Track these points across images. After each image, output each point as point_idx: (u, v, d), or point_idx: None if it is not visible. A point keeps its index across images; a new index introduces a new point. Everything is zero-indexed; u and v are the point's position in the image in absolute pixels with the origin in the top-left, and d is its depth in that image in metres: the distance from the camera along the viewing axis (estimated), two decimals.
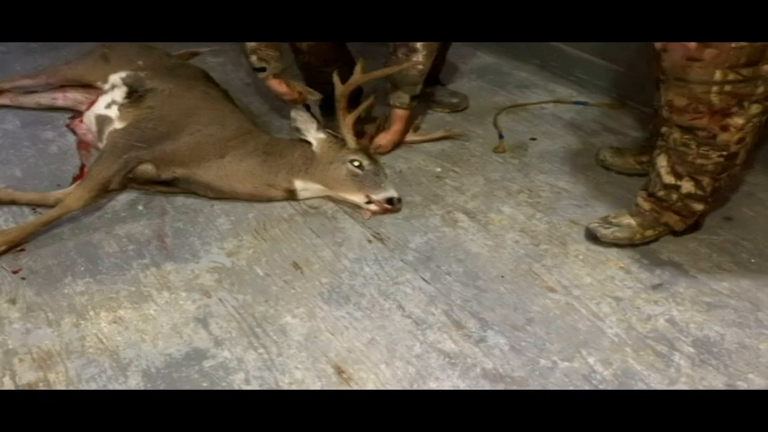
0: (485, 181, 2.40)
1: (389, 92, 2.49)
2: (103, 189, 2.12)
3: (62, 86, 2.59)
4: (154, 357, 1.69)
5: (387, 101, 2.50)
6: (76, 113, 2.53)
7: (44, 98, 2.63)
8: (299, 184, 2.23)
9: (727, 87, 1.74)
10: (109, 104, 2.34)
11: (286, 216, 2.20)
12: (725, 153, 1.87)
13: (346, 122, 2.25)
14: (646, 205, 2.05)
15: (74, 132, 2.48)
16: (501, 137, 2.62)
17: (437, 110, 2.81)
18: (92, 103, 2.39)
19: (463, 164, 2.49)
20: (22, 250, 2.02)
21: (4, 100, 2.67)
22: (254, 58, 2.39)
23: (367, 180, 2.20)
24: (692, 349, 1.74)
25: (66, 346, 1.72)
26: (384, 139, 2.49)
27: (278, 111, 2.76)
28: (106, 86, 2.42)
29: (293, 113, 2.31)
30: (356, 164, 2.21)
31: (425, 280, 1.96)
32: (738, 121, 1.80)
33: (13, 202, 2.17)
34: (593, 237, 2.07)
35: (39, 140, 2.54)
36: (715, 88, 1.75)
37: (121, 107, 2.31)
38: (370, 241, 2.10)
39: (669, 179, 1.97)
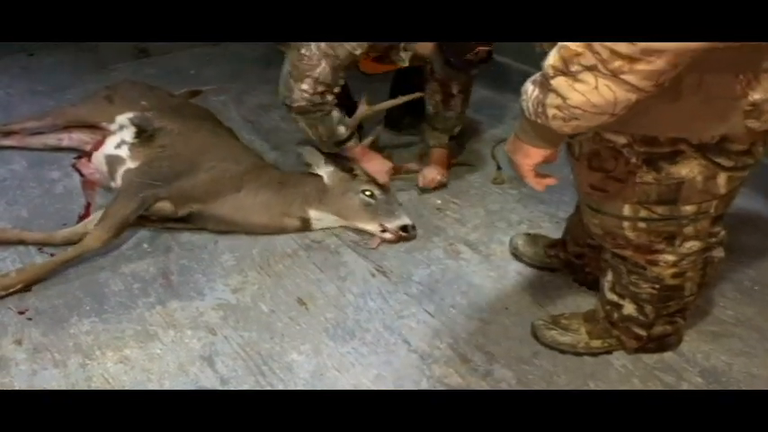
0: (485, 212, 2.42)
1: (426, 132, 2.59)
2: (122, 228, 2.14)
3: (67, 127, 2.62)
4: None
5: (424, 140, 2.62)
6: (82, 153, 2.56)
7: (50, 139, 2.66)
8: (313, 214, 2.28)
9: (642, 224, 1.49)
10: (118, 144, 2.37)
11: (290, 251, 2.22)
12: (657, 286, 1.62)
13: (356, 154, 2.32)
14: (601, 312, 1.81)
15: (79, 172, 2.51)
16: (499, 168, 2.65)
17: None
18: (98, 144, 2.42)
19: (463, 195, 2.52)
20: (29, 290, 2.03)
21: (12, 141, 2.70)
22: (341, 129, 2.36)
23: (380, 209, 2.25)
24: (699, 379, 1.74)
25: (72, 387, 1.72)
26: (432, 173, 2.50)
27: (280, 148, 2.80)
28: (113, 127, 2.45)
29: (300, 149, 2.40)
30: (368, 193, 2.25)
31: (430, 313, 1.97)
32: (669, 258, 1.55)
33: (20, 242, 2.19)
34: (534, 335, 1.87)
35: (45, 180, 2.56)
36: (627, 224, 1.51)
37: (132, 147, 2.35)
38: (373, 275, 2.12)
39: (611, 296, 1.74)
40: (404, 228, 2.23)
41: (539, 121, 1.21)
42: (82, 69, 3.51)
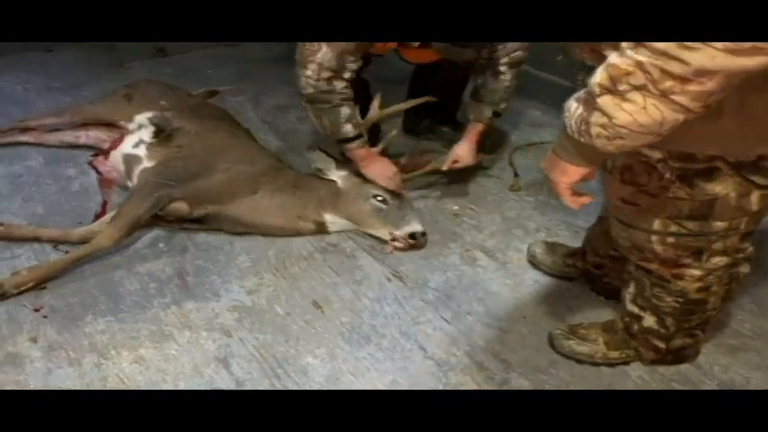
0: (502, 219, 2.41)
1: (469, 105, 2.48)
2: (135, 227, 2.14)
3: (85, 125, 2.63)
4: None
5: (467, 113, 2.50)
6: (98, 151, 2.56)
7: (67, 136, 2.67)
8: (328, 217, 2.27)
9: (670, 239, 1.49)
10: (136, 144, 2.37)
11: (305, 254, 2.21)
12: (681, 300, 1.61)
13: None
14: (620, 323, 1.80)
15: (96, 170, 2.51)
16: (516, 175, 2.63)
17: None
18: (116, 142, 2.42)
19: (480, 202, 2.50)
20: (44, 288, 2.02)
21: (29, 137, 2.71)
22: (348, 127, 2.25)
23: (391, 215, 2.22)
24: None
25: (87, 387, 1.71)
26: (462, 149, 2.44)
27: (296, 150, 2.80)
28: (132, 126, 2.45)
29: (310, 154, 2.38)
30: (380, 199, 2.24)
31: (446, 320, 1.95)
32: (695, 272, 1.54)
33: (35, 239, 2.19)
34: (552, 345, 1.86)
35: (61, 178, 2.56)
36: (655, 238, 1.50)
37: (150, 146, 2.35)
38: (389, 280, 2.11)
39: (632, 308, 1.73)
40: (412, 235, 2.20)
41: (581, 139, 1.20)
42: (99, 67, 3.53)
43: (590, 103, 1.14)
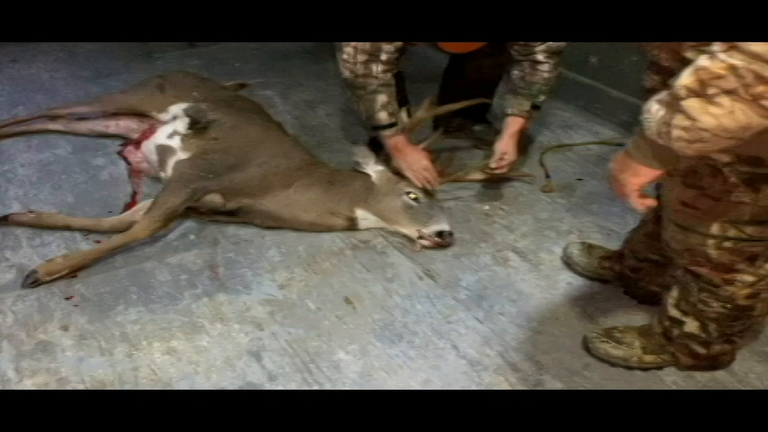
0: (533, 220, 2.39)
1: (506, 99, 2.42)
2: (170, 218, 2.14)
3: (115, 114, 2.63)
4: None
5: (504, 108, 2.43)
6: (128, 141, 2.56)
7: (97, 125, 2.67)
8: (359, 213, 2.26)
9: (728, 243, 1.48)
10: (171, 135, 2.36)
11: (336, 250, 2.20)
12: (729, 305, 1.60)
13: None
14: (657, 327, 1.78)
15: (125, 160, 2.50)
16: (548, 176, 2.61)
17: (483, 148, 2.81)
18: (148, 132, 2.42)
19: (511, 202, 2.48)
20: (75, 276, 2.02)
21: (58, 125, 2.71)
22: (382, 115, 2.25)
23: (420, 213, 2.21)
24: None
25: (119, 377, 1.71)
26: (506, 145, 2.38)
27: (324, 145, 2.79)
28: (166, 117, 2.45)
29: (354, 148, 2.38)
30: (412, 196, 2.23)
31: (479, 320, 1.93)
32: (747, 278, 1.53)
33: (66, 228, 2.19)
34: (586, 347, 1.84)
35: (90, 167, 2.57)
36: (711, 242, 1.49)
37: (184, 138, 2.34)
38: (420, 278, 2.09)
39: (674, 312, 1.70)
40: (440, 234, 2.18)
41: (660, 141, 1.19)
42: (126, 56, 3.53)
43: (673, 106, 1.13)
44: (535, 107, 2.39)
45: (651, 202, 1.39)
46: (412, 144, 2.32)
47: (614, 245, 2.15)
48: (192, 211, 2.23)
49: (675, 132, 1.14)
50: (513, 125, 2.39)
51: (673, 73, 1.14)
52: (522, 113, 2.38)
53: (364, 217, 2.26)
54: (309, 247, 2.20)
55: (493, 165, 2.38)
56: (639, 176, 1.31)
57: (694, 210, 1.47)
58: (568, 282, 2.09)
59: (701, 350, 1.72)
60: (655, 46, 1.32)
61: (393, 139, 2.28)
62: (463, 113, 2.68)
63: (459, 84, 2.68)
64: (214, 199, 2.20)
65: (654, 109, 1.18)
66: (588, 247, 2.12)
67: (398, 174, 2.30)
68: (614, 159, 1.37)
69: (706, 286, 1.58)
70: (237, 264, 2.11)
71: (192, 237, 2.22)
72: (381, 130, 2.28)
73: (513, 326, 1.92)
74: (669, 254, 1.64)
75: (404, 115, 2.32)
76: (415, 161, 2.28)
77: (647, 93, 1.34)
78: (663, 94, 1.16)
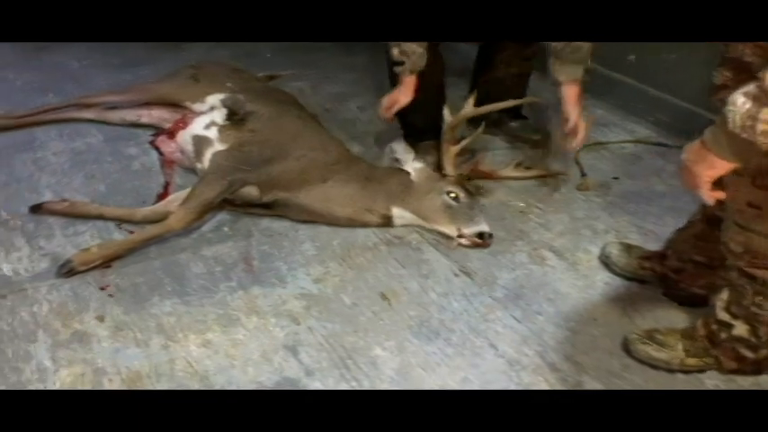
0: (569, 219, 2.35)
1: (555, 69, 2.30)
2: (206, 210, 2.13)
3: (148, 104, 2.62)
4: (245, 385, 1.67)
5: (554, 78, 2.32)
6: (160, 131, 2.55)
7: (129, 114, 2.66)
8: (395, 211, 2.23)
9: None
10: (208, 125, 2.35)
11: (370, 245, 2.18)
12: None
13: (450, 154, 2.26)
14: (702, 330, 1.74)
15: (158, 150, 2.50)
16: (584, 174, 2.56)
17: (519, 145, 2.78)
18: (182, 122, 2.41)
19: (547, 200, 2.45)
20: (109, 266, 2.02)
21: (90, 114, 2.71)
22: (395, 51, 2.27)
23: (460, 213, 2.18)
24: None
25: (155, 368, 1.70)
26: (572, 112, 2.30)
27: (357, 139, 2.76)
28: (204, 107, 2.43)
29: (391, 145, 2.35)
30: (452, 195, 2.20)
31: (516, 319, 1.91)
32: None
33: (100, 217, 2.19)
34: (627, 349, 1.81)
35: (122, 156, 2.56)
36: None
37: (222, 129, 2.32)
38: (456, 275, 2.06)
39: (723, 315, 1.67)
40: (480, 235, 2.16)
41: (743, 134, 1.16)
42: (155, 45, 3.50)
43: (761, 100, 1.10)
44: (586, 71, 2.31)
45: (721, 195, 1.35)
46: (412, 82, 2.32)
47: (652, 245, 2.11)
48: (226, 203, 2.22)
49: (761, 127, 1.11)
50: (571, 92, 2.31)
51: (751, 69, 1.11)
52: (578, 78, 2.30)
53: (400, 215, 2.23)
54: (344, 242, 2.18)
55: (575, 145, 2.34)
56: (714, 169, 1.28)
57: (758, 210, 1.44)
58: (606, 282, 2.05)
59: (748, 354, 1.68)
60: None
61: (402, 77, 2.31)
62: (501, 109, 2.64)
63: (490, 78, 2.65)
64: (250, 191, 2.19)
65: (739, 102, 1.14)
66: (627, 247, 2.09)
67: (438, 171, 2.28)
68: (687, 150, 1.33)
69: (762, 289, 1.55)
70: (272, 257, 2.10)
71: (226, 229, 2.21)
72: (395, 66, 2.31)
73: (552, 325, 1.89)
74: (724, 255, 1.60)
75: (446, 113, 2.30)
76: (394, 95, 2.32)
77: (717, 89, 1.31)
78: (750, 87, 1.13)
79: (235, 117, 2.33)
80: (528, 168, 2.49)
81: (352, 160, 2.36)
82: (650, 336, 1.79)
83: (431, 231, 2.24)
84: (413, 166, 2.29)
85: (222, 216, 2.25)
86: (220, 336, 1.81)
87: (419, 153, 2.40)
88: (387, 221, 2.24)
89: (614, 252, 2.08)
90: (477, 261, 2.13)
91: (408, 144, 2.40)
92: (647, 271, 2.01)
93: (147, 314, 1.87)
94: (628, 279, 2.06)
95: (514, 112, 2.76)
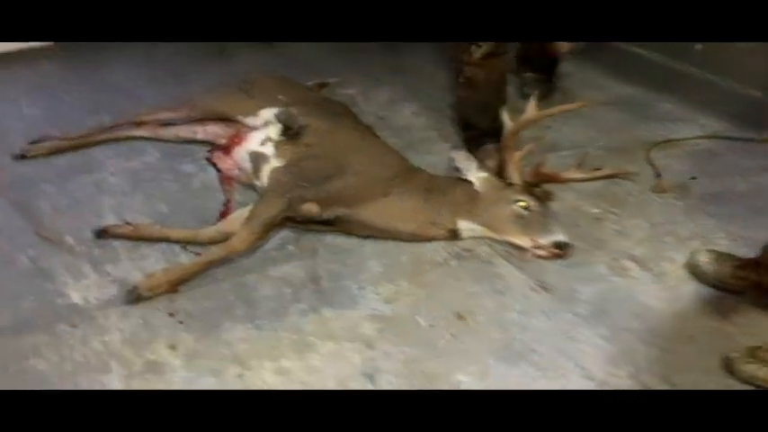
0: (648, 224, 2.23)
1: None
2: (268, 229, 2.08)
3: (202, 120, 2.56)
4: None
5: None
6: (215, 147, 2.50)
7: (183, 131, 2.61)
8: (462, 224, 2.14)
9: None
10: (263, 141, 2.29)
11: (440, 260, 2.10)
12: None
13: (514, 160, 2.15)
14: None
15: (215, 167, 2.45)
16: (658, 175, 2.43)
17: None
18: (238, 138, 2.35)
19: (621, 204, 2.33)
20: (176, 291, 1.98)
21: (144, 132, 2.66)
22: None
23: (533, 222, 2.08)
24: None
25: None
26: None
27: (413, 147, 2.66)
28: (258, 122, 2.37)
29: (452, 154, 2.25)
30: (522, 204, 2.09)
31: (603, 337, 1.81)
32: None
33: (165, 239, 2.15)
34: (729, 369, 1.71)
35: (180, 174, 2.51)
36: None
37: (277, 144, 2.26)
38: (534, 290, 1.97)
39: None
40: (558, 245, 2.05)
41: None
42: (202, 56, 3.46)
43: None
44: None
45: None
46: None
47: (742, 251, 1.99)
48: (287, 220, 2.15)
49: None
50: None
51: None
52: None
53: (468, 228, 2.14)
54: (412, 257, 2.11)
55: None
56: None
57: None
58: (696, 294, 1.94)
59: None
60: None
61: None
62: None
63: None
64: (310, 208, 2.12)
65: None
66: (717, 255, 1.97)
67: (504, 180, 2.17)
68: None
69: None
70: (340, 275, 2.03)
71: (291, 247, 2.15)
72: None
73: (641, 343, 1.79)
74: None
75: (506, 118, 2.20)
76: None
77: None
78: None
79: (289, 132, 2.27)
80: (596, 169, 2.35)
81: (412, 171, 2.27)
82: (752, 353, 1.68)
83: (501, 243, 2.15)
84: (476, 175, 2.19)
85: (285, 234, 2.19)
86: (295, 362, 1.75)
87: (479, 158, 2.30)
88: (453, 235, 2.15)
89: (703, 260, 1.96)
90: (554, 274, 2.03)
91: (468, 150, 2.31)
92: (741, 281, 1.89)
93: (219, 341, 1.81)
94: (720, 290, 1.94)
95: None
